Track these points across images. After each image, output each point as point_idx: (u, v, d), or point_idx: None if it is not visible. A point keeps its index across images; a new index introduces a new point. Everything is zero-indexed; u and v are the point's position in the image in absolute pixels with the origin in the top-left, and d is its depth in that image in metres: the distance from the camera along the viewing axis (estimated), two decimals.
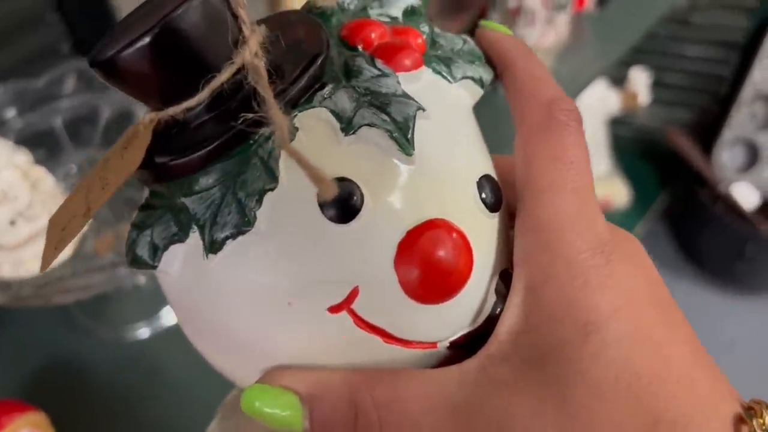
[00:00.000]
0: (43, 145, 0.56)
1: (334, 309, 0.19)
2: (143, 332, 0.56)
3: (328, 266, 0.18)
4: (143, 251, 0.19)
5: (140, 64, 0.18)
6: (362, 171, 0.19)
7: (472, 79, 0.22)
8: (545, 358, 0.18)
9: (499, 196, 0.21)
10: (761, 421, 0.18)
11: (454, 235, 0.19)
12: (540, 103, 0.21)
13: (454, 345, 0.20)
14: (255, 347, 0.20)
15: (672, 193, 1.47)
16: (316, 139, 0.19)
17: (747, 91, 1.27)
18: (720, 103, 1.35)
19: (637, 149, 1.48)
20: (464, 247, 0.19)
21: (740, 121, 1.29)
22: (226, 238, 0.18)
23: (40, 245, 0.47)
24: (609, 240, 0.19)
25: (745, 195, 1.30)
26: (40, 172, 0.48)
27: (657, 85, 1.37)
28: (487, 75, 0.22)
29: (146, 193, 0.21)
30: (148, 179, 0.20)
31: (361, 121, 0.19)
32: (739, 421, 0.18)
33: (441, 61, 0.21)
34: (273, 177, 0.18)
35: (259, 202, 0.18)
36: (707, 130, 1.36)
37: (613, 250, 0.19)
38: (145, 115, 0.20)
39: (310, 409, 0.19)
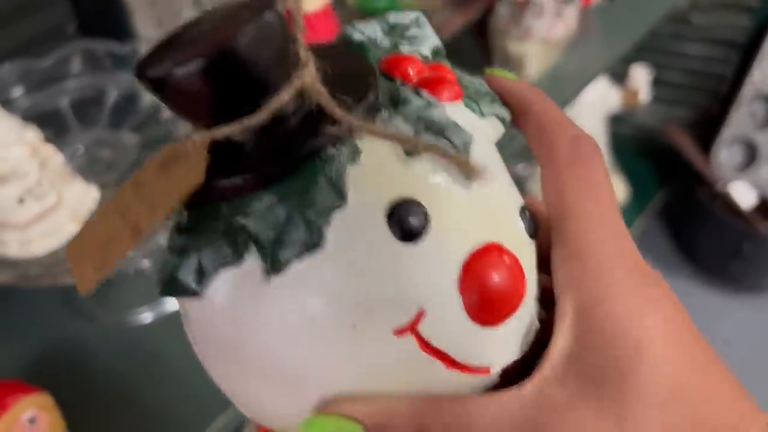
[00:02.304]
0: (49, 125, 0.55)
1: (400, 331, 0.18)
2: (146, 317, 0.56)
3: (395, 286, 0.18)
4: (188, 276, 0.19)
5: (194, 85, 0.18)
6: (427, 193, 0.19)
7: (497, 116, 0.22)
8: (601, 377, 0.19)
9: (535, 224, 0.22)
10: None
11: (510, 259, 0.19)
12: (565, 140, 0.22)
13: (504, 371, 0.20)
14: (310, 375, 0.19)
15: (670, 191, 1.47)
16: (380, 162, 0.19)
17: (747, 91, 1.27)
18: (719, 101, 1.35)
19: (636, 147, 1.48)
20: (519, 270, 0.20)
21: (739, 120, 1.30)
22: (293, 257, 0.18)
23: (48, 224, 0.47)
24: (645, 265, 0.20)
25: (743, 194, 1.30)
26: (50, 150, 0.48)
27: (657, 83, 1.37)
28: (507, 115, 0.23)
29: (181, 215, 0.20)
30: (195, 200, 0.19)
31: (426, 144, 0.19)
32: None
33: (470, 98, 0.22)
34: (341, 195, 0.18)
35: (328, 220, 0.18)
36: (706, 129, 1.36)
37: (649, 274, 0.20)
38: (191, 134, 0.19)
39: None
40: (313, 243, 0.18)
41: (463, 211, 0.19)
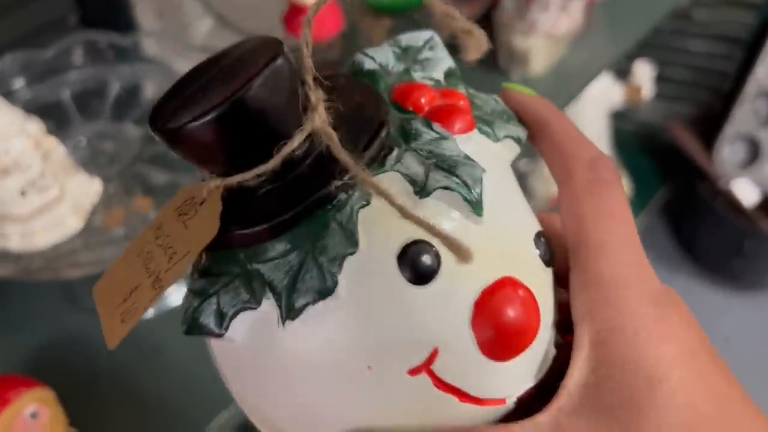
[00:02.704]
0: (51, 117, 0.55)
1: (414, 371, 0.19)
2: (148, 312, 0.56)
3: (408, 328, 0.19)
4: (208, 319, 0.19)
5: (207, 137, 0.18)
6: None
7: (512, 138, 0.22)
8: (616, 409, 0.19)
9: (552, 251, 0.22)
10: None
11: (524, 292, 0.19)
12: (583, 162, 0.22)
13: (520, 400, 0.21)
14: (327, 413, 0.20)
15: (672, 187, 1.47)
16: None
17: (750, 88, 1.27)
18: (722, 98, 1.35)
19: (639, 143, 1.48)
20: (532, 303, 0.20)
21: (742, 117, 1.29)
22: (306, 304, 0.18)
23: (50, 217, 0.46)
24: (663, 293, 0.20)
25: (745, 191, 1.30)
26: (53, 142, 0.47)
27: (660, 79, 1.37)
28: (522, 134, 0.23)
29: (204, 259, 0.20)
30: (213, 246, 0.19)
31: (436, 184, 0.19)
32: None
33: (484, 121, 0.22)
34: (353, 241, 0.18)
35: (341, 266, 0.18)
36: (709, 126, 1.36)
37: (667, 303, 0.20)
38: (209, 181, 0.19)
39: None
40: (326, 290, 0.18)
41: (475, 248, 0.19)
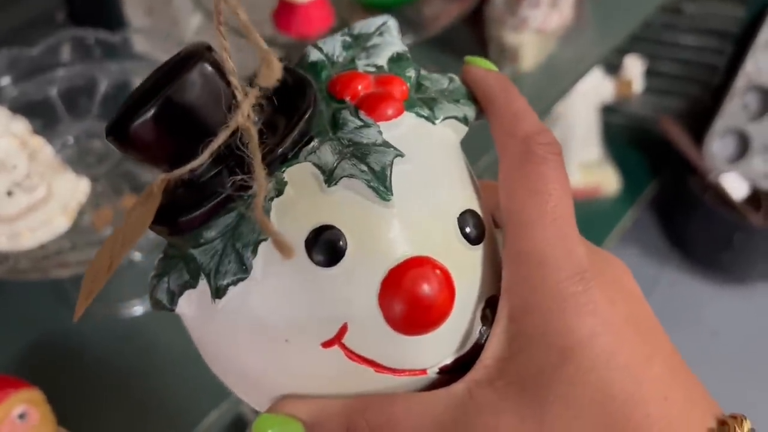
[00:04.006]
0: (38, 115, 0.54)
1: (327, 344, 0.21)
2: (137, 309, 0.56)
3: (318, 306, 0.21)
4: (162, 296, 0.22)
5: (146, 134, 0.21)
6: (345, 218, 0.21)
7: (455, 118, 0.23)
8: (526, 381, 0.19)
9: (481, 229, 0.23)
10: None
11: (437, 271, 0.21)
12: (518, 138, 0.22)
13: (443, 370, 0.22)
14: (262, 380, 0.22)
15: (662, 181, 1.47)
16: (303, 191, 0.21)
17: (740, 82, 1.27)
18: (712, 92, 1.35)
19: (629, 137, 1.48)
20: (444, 281, 0.21)
21: (732, 112, 1.30)
22: (228, 285, 0.21)
23: (37, 217, 0.46)
24: (588, 267, 0.21)
25: (735, 185, 1.30)
26: (39, 142, 0.47)
27: (650, 73, 1.37)
28: (470, 112, 0.24)
29: (166, 244, 0.23)
30: (164, 233, 0.22)
31: (342, 173, 0.21)
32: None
33: (425, 103, 0.23)
34: None
35: (255, 251, 0.20)
36: (699, 120, 1.36)
37: (592, 277, 0.20)
38: (158, 178, 0.22)
39: None
40: (242, 272, 0.20)
41: (382, 231, 0.21)
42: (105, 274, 0.22)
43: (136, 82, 0.58)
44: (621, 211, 1.40)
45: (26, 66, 0.58)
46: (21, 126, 0.46)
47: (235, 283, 0.21)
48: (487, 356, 0.21)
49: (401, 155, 0.21)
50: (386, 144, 0.21)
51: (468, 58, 0.25)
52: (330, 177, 0.21)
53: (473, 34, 0.80)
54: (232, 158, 0.21)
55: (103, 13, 0.66)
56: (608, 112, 1.41)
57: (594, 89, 1.28)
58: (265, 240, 0.20)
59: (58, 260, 0.45)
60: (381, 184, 0.20)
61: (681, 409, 0.19)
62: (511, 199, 0.22)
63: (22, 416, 0.43)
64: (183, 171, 0.21)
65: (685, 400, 0.20)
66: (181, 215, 0.21)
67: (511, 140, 0.22)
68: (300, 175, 0.21)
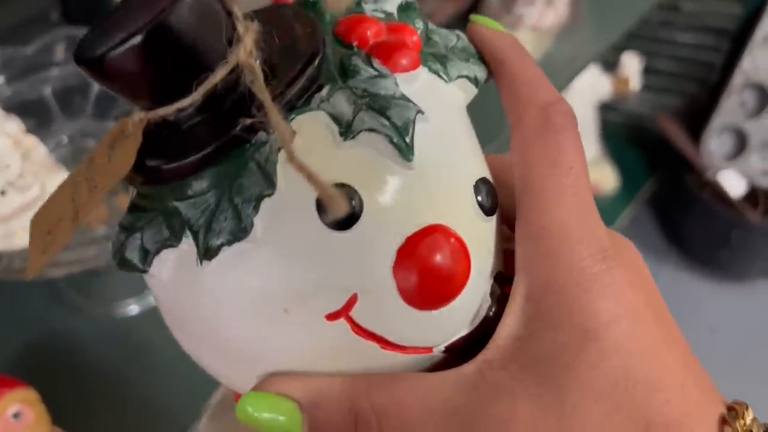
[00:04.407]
0: (32, 115, 0.54)
1: (332, 316, 0.18)
2: (132, 309, 0.56)
3: (325, 273, 0.18)
4: (133, 255, 0.19)
5: (130, 64, 0.17)
6: (361, 176, 0.18)
7: (467, 78, 0.21)
8: (544, 365, 0.18)
9: (495, 199, 0.21)
10: (743, 422, 0.19)
11: (453, 240, 0.19)
12: (536, 106, 0.21)
13: (450, 348, 0.20)
14: (250, 354, 0.19)
15: (659, 179, 1.47)
16: (314, 144, 0.18)
17: (737, 79, 1.27)
18: (710, 90, 1.35)
19: (626, 135, 1.49)
20: (462, 253, 0.19)
21: (729, 109, 1.30)
22: (221, 245, 0.18)
23: (31, 216, 0.46)
24: (610, 247, 0.19)
25: (732, 182, 1.31)
26: (32, 141, 0.47)
27: (647, 71, 1.37)
28: (481, 73, 0.22)
29: (134, 193, 0.20)
30: (137, 181, 0.19)
31: (361, 125, 0.18)
32: (723, 422, 0.19)
33: (437, 59, 0.21)
34: (271, 183, 0.18)
35: (256, 208, 0.18)
36: (696, 117, 1.37)
37: (614, 257, 0.19)
38: (133, 114, 0.19)
39: (309, 417, 0.19)
40: (241, 231, 0.18)
41: (401, 195, 0.19)
42: (69, 226, 0.19)
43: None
44: (619, 208, 1.40)
45: (20, 65, 0.57)
46: (14, 125, 0.46)
47: (230, 243, 0.18)
48: (501, 336, 0.19)
49: (422, 112, 0.19)
50: (405, 98, 0.19)
51: (474, 16, 0.23)
52: (348, 129, 0.18)
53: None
54: (227, 102, 0.18)
55: (97, 12, 0.66)
56: (606, 109, 1.41)
57: (591, 87, 1.28)
58: (269, 195, 0.17)
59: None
60: (403, 141, 0.18)
61: (696, 395, 0.19)
62: (528, 171, 0.20)
63: (16, 416, 0.43)
64: (170, 109, 0.18)
65: (699, 387, 0.19)
66: (164, 161, 0.18)
67: (528, 107, 0.21)
68: (311, 125, 0.18)
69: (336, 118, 0.19)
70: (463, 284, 0.19)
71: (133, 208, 0.19)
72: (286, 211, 0.18)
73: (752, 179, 1.31)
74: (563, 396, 0.18)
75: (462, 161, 0.20)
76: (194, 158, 0.18)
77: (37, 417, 0.44)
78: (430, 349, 0.20)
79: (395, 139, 0.18)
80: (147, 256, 0.19)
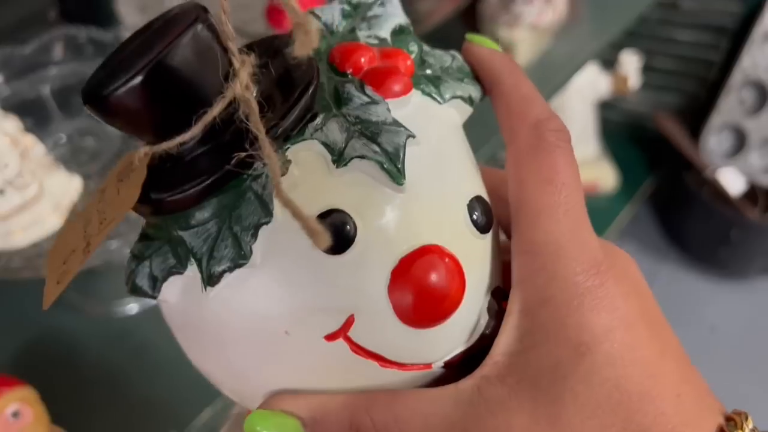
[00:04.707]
0: (31, 114, 0.54)
1: (331, 337, 0.19)
2: (132, 308, 0.56)
3: (323, 296, 0.19)
4: (143, 282, 0.20)
5: (133, 103, 0.19)
6: (354, 201, 0.19)
7: (461, 98, 0.22)
8: (539, 378, 0.19)
9: (489, 217, 0.21)
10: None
11: (447, 260, 0.19)
12: (528, 123, 0.21)
13: (448, 365, 0.20)
14: (254, 374, 0.20)
15: (659, 177, 1.47)
16: (308, 172, 0.19)
17: (736, 77, 1.27)
18: (709, 88, 1.35)
19: (626, 133, 1.48)
20: (456, 271, 0.19)
21: (728, 107, 1.30)
22: (223, 272, 0.19)
23: (29, 215, 0.46)
24: (603, 260, 0.20)
25: (732, 180, 1.30)
26: (30, 140, 0.47)
27: (646, 69, 1.37)
28: (476, 92, 0.23)
29: (143, 223, 0.21)
30: (146, 212, 0.20)
31: (353, 153, 0.19)
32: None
33: (430, 81, 0.22)
34: (268, 211, 0.18)
35: (255, 236, 0.18)
36: (695, 115, 1.36)
37: (607, 270, 0.20)
38: (139, 149, 0.20)
39: None
40: (241, 258, 0.19)
41: (394, 217, 0.19)
42: (81, 257, 0.20)
43: None
44: (618, 207, 1.39)
45: (18, 64, 0.58)
46: (12, 124, 0.46)
47: (231, 269, 0.19)
48: (498, 351, 0.20)
49: (413, 136, 0.19)
50: (397, 123, 0.20)
51: (469, 35, 0.24)
52: (340, 157, 0.19)
53: (467, 30, 0.80)
54: (226, 134, 0.19)
55: (95, 11, 0.66)
56: (605, 108, 1.41)
57: (590, 85, 1.28)
58: (266, 223, 0.18)
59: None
60: (394, 166, 0.19)
61: (693, 405, 0.19)
62: (522, 188, 0.21)
63: (15, 414, 0.43)
64: (172, 144, 0.19)
65: (695, 396, 0.19)
66: (169, 193, 0.19)
67: (521, 125, 0.21)
68: (305, 154, 0.19)
69: (329, 147, 0.19)
70: (458, 302, 0.19)
71: (143, 237, 0.20)
72: (283, 237, 0.19)
73: (751, 177, 1.31)
74: (558, 409, 0.18)
75: (456, 180, 0.21)
76: (195, 190, 0.19)
77: (36, 416, 0.44)
78: (428, 366, 0.20)
79: (386, 165, 0.19)
80: (156, 283, 0.20)
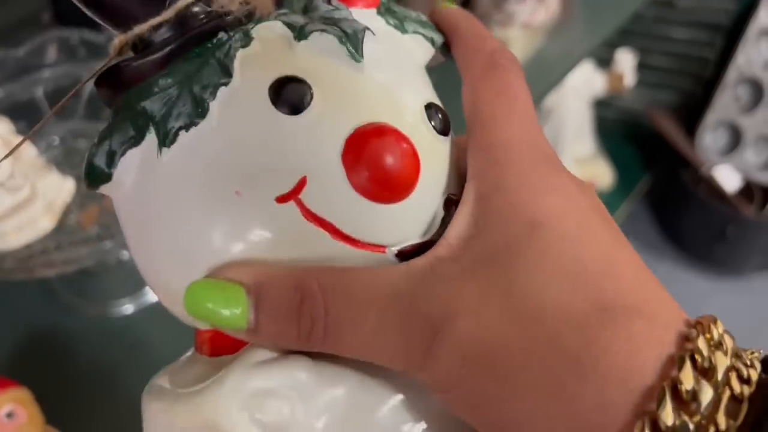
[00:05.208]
0: (24, 116, 0.54)
1: (282, 198, 0.19)
2: (127, 308, 0.56)
3: (276, 155, 0.19)
4: (100, 160, 0.20)
5: None
6: (314, 71, 0.20)
7: (423, 36, 0.23)
8: (494, 256, 0.18)
9: (447, 123, 0.22)
10: (708, 336, 0.18)
11: (402, 142, 0.20)
12: (483, 52, 0.22)
13: (402, 254, 0.20)
14: (202, 246, 0.20)
15: (655, 174, 1.48)
16: (270, 47, 0.20)
17: (731, 74, 1.28)
18: (704, 85, 1.35)
19: (621, 131, 1.49)
20: (411, 152, 0.20)
21: (724, 104, 1.30)
22: (180, 128, 0.19)
23: (22, 217, 0.46)
24: (557, 158, 0.20)
25: (727, 177, 1.31)
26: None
27: (642, 67, 1.38)
28: (438, 38, 0.24)
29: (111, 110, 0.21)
30: (111, 94, 0.20)
31: (313, 28, 0.20)
32: (689, 325, 0.18)
33: (394, 16, 0.23)
34: (227, 73, 0.19)
35: (213, 94, 0.19)
36: (691, 113, 1.37)
37: (562, 168, 0.20)
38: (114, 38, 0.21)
39: (255, 297, 0.19)
40: (197, 114, 0.19)
41: (351, 92, 0.20)
42: None
43: None
44: (615, 205, 1.40)
45: (12, 67, 0.58)
46: (4, 127, 0.46)
47: (187, 127, 0.19)
48: (452, 235, 0.19)
49: (372, 33, 0.21)
50: (354, 19, 0.21)
51: (439, 2, 0.26)
52: (300, 31, 0.20)
53: None
54: (196, 21, 0.20)
55: (88, 15, 0.66)
56: (601, 106, 1.41)
57: (586, 83, 1.28)
58: (225, 84, 0.19)
59: (44, 260, 0.45)
60: (353, 44, 0.20)
61: (656, 289, 0.19)
62: (477, 100, 0.21)
63: (9, 415, 0.43)
64: (143, 27, 0.20)
65: (655, 284, 0.19)
66: (133, 59, 0.20)
67: (477, 54, 0.23)
68: (268, 32, 0.20)
69: (290, 25, 0.20)
70: (412, 181, 0.20)
71: (108, 125, 0.20)
72: (241, 99, 0.19)
73: (747, 174, 1.31)
74: (512, 278, 0.18)
75: (413, 84, 0.22)
76: (159, 54, 0.20)
77: (30, 417, 0.44)
78: (382, 249, 0.20)
79: (344, 40, 0.20)
80: (114, 158, 0.20)
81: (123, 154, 0.19)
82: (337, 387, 0.20)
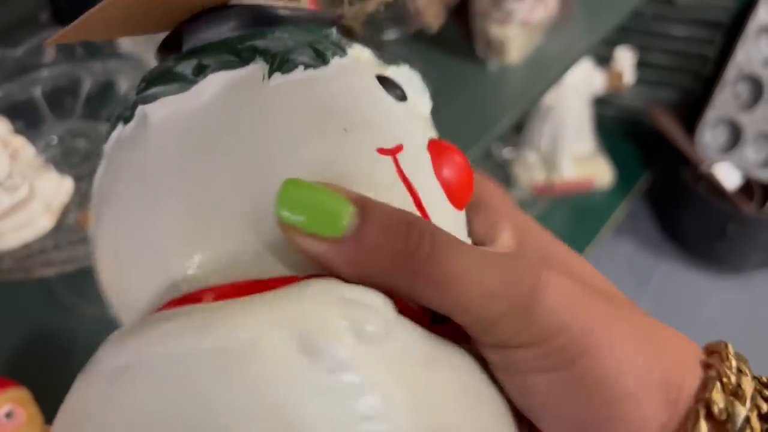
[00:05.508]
0: (22, 116, 0.54)
1: (383, 151, 0.20)
2: None
3: (382, 117, 0.21)
4: (185, 69, 0.20)
5: None
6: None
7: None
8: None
9: None
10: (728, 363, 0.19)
11: (462, 157, 0.22)
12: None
13: None
14: (302, 167, 0.19)
15: (655, 172, 1.47)
16: (366, 59, 0.23)
17: (731, 71, 1.27)
18: (704, 83, 1.35)
19: (621, 129, 1.49)
20: (470, 170, 0.22)
21: (723, 101, 1.30)
22: (301, 63, 0.20)
23: (20, 217, 0.46)
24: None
25: (727, 175, 1.31)
26: (20, 142, 0.47)
27: (641, 64, 1.37)
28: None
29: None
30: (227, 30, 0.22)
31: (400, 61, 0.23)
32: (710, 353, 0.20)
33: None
34: (343, 50, 0.22)
35: (334, 54, 0.21)
36: (691, 110, 1.37)
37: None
38: None
39: (362, 209, 0.17)
40: (320, 61, 0.20)
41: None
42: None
43: (121, 81, 0.58)
44: (615, 203, 1.40)
45: (10, 66, 0.58)
46: (2, 126, 0.46)
47: (307, 65, 0.20)
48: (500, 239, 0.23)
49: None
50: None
51: None
52: (391, 59, 0.23)
53: (459, 28, 0.80)
54: None
55: None
56: (600, 104, 1.41)
57: (585, 81, 1.28)
58: (341, 56, 0.21)
59: (43, 259, 0.45)
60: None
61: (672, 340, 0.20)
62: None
63: (8, 415, 0.43)
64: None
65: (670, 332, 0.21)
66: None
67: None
68: (360, 52, 0.23)
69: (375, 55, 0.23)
70: (470, 189, 0.22)
71: (184, 53, 0.21)
72: (357, 69, 0.22)
73: (747, 171, 1.31)
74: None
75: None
76: (281, 14, 0.22)
77: (29, 417, 0.44)
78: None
79: (419, 73, 0.24)
80: (205, 70, 0.20)
81: (215, 71, 0.20)
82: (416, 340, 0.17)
